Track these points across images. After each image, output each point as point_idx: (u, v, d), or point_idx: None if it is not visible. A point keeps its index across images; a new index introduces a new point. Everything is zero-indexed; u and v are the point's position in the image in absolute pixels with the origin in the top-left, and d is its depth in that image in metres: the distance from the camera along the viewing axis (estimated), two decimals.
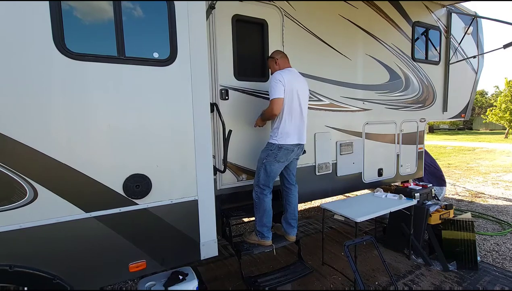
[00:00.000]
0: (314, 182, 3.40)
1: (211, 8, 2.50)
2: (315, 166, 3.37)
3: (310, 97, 3.23)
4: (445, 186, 5.28)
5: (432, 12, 4.35)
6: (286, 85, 2.41)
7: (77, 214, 1.77)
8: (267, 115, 2.55)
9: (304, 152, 2.78)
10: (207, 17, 2.49)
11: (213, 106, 2.52)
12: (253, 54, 2.66)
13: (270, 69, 2.71)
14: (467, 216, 3.33)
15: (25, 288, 1.74)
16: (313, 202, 5.17)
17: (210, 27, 2.56)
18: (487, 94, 48.38)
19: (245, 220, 4.32)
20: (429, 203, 3.55)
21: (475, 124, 42.62)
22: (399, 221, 3.41)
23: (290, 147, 2.51)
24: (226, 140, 2.47)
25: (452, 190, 6.53)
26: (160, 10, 1.93)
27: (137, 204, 1.93)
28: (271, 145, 2.52)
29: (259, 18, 2.82)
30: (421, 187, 3.78)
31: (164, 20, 1.94)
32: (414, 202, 3.27)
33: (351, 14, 3.48)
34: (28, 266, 1.68)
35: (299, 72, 2.65)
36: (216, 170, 2.61)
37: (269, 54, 2.70)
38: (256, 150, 2.81)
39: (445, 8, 4.50)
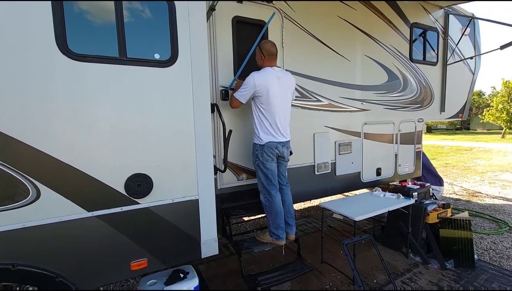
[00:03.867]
0: (313, 181, 3.42)
1: (211, 9, 2.52)
2: (314, 165, 3.40)
3: (309, 97, 3.27)
4: (442, 185, 5.33)
5: (430, 13, 4.39)
6: (258, 90, 2.44)
7: (79, 213, 1.78)
8: (230, 101, 2.62)
9: (291, 153, 2.81)
10: (208, 18, 2.51)
11: (214, 107, 2.54)
12: (253, 55, 2.68)
13: (256, 58, 2.62)
14: (464, 214, 3.37)
15: (27, 286, 1.75)
16: (312, 201, 5.20)
17: (211, 28, 2.58)
18: (484, 94, 48.73)
19: (245, 218, 4.35)
20: (427, 202, 3.59)
21: (472, 124, 42.85)
22: (397, 219, 3.44)
23: (272, 144, 2.55)
24: (226, 140, 2.50)
25: (450, 189, 6.59)
26: (161, 11, 1.95)
27: (139, 203, 1.95)
28: (255, 146, 2.61)
29: (259, 19, 2.85)
30: (419, 186, 3.83)
31: (165, 21, 1.96)
32: (412, 201, 3.30)
33: (350, 15, 3.51)
34: (31, 264, 1.70)
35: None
36: (216, 170, 2.63)
37: (261, 44, 2.57)
38: None
39: (442, 10, 4.54)
